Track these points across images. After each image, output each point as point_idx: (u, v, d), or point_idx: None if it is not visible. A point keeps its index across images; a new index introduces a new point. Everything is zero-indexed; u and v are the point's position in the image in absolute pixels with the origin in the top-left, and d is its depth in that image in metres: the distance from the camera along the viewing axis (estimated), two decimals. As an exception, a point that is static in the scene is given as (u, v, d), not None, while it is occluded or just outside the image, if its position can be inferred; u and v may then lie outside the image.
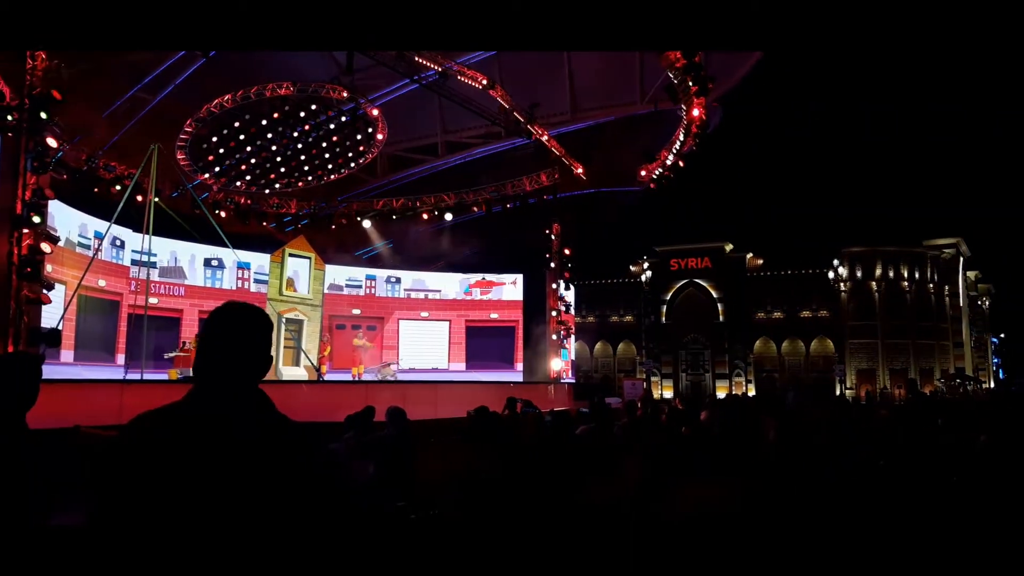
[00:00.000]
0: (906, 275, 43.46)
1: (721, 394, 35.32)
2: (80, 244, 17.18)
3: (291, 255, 23.99)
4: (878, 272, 43.75)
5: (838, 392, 40.03)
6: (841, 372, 40.77)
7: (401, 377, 24.52)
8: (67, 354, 16.55)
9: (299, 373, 22.48)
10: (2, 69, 14.96)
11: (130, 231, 19.15)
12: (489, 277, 28.20)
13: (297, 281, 24.34)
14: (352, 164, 23.66)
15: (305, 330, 24.03)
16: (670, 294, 47.58)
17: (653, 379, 45.07)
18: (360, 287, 26.74)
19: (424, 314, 27.37)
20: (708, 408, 11.83)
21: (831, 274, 43.28)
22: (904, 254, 43.85)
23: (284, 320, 22.46)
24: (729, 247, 47.09)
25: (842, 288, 43.79)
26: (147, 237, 18.19)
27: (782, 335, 46.26)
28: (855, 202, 59.66)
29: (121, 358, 18.79)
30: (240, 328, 1.98)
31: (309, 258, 24.96)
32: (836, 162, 70.09)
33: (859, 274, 44.17)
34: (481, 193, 26.22)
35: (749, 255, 47.30)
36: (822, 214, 55.08)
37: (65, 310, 15.37)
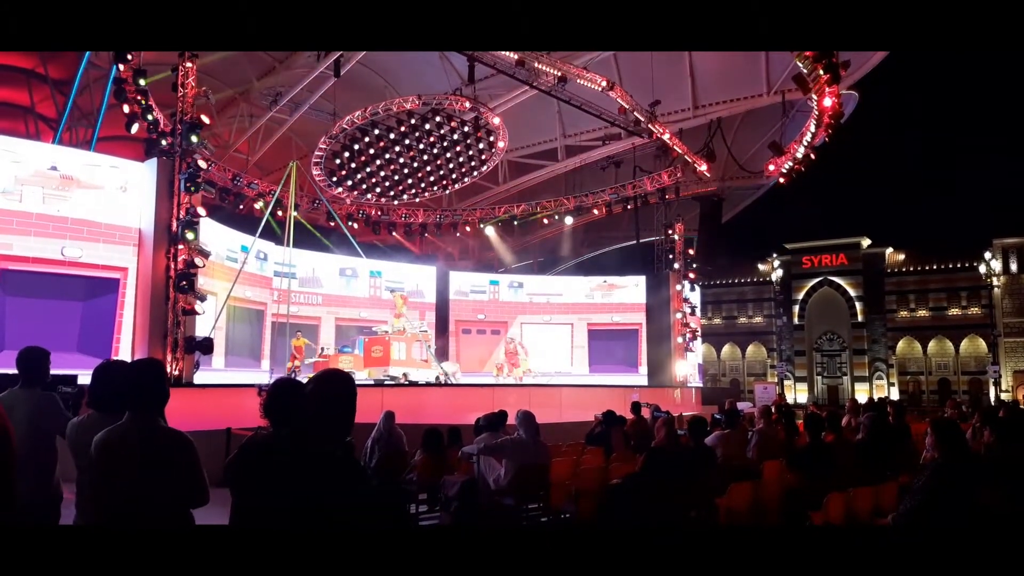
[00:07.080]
0: (1068, 266, 39.68)
1: (861, 398, 33.44)
2: (228, 258, 18.36)
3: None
4: (1035, 264, 40.25)
5: (992, 395, 37.05)
6: (996, 373, 37.61)
7: (525, 380, 24.73)
8: (218, 360, 17.76)
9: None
10: (157, 99, 16.31)
11: (272, 244, 20.30)
12: (611, 280, 28.00)
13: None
14: (475, 172, 24.13)
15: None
16: (803, 293, 45.55)
17: (786, 383, 43.27)
18: (484, 292, 27.22)
19: (546, 318, 27.52)
20: (850, 412, 11.25)
21: (982, 268, 40.04)
22: (1066, 243, 40.06)
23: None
24: (867, 242, 44.53)
25: (995, 283, 40.45)
26: (288, 249, 19.27)
27: (928, 335, 43.29)
28: (1007, 189, 54.59)
29: (265, 363, 19.95)
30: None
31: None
32: (982, 147, 64.44)
33: (1014, 267, 40.76)
34: (601, 195, 26.07)
35: (889, 250, 44.55)
36: (969, 204, 50.84)
37: (216, 319, 16.48)
